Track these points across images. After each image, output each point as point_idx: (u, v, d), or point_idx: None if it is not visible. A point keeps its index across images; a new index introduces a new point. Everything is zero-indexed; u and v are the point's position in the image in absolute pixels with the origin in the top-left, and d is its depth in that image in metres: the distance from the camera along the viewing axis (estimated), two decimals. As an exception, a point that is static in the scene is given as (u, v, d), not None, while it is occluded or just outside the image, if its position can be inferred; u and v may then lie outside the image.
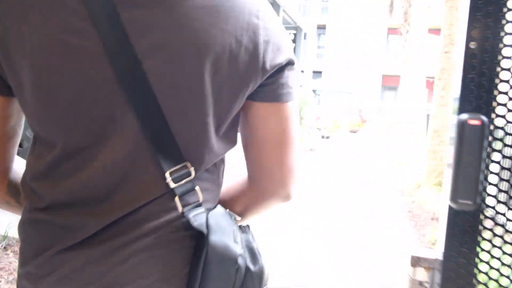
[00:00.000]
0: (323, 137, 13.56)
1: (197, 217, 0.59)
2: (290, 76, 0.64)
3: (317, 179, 6.74)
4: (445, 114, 6.07)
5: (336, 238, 3.87)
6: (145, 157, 0.58)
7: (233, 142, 0.67)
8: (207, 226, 0.59)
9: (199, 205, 0.61)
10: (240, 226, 0.66)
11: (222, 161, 0.68)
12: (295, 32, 8.87)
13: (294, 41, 8.80)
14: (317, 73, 24.01)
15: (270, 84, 0.62)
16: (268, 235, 3.73)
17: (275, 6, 6.83)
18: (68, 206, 0.59)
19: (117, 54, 0.54)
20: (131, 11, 0.54)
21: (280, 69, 0.62)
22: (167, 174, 0.58)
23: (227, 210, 0.66)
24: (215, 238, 0.58)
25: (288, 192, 0.70)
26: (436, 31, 19.69)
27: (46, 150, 0.59)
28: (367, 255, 3.47)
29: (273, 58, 0.60)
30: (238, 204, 0.72)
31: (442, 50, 6.09)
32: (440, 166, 6.07)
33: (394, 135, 13.95)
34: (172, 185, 0.58)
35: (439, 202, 5.04)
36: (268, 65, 0.60)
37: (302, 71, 9.89)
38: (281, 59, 0.61)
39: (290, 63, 0.63)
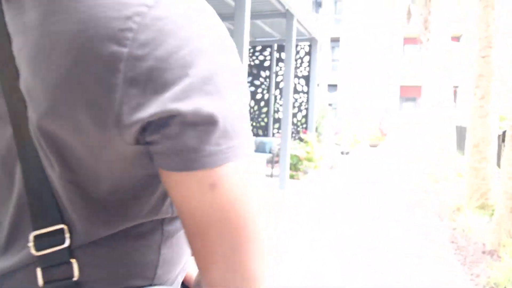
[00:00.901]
0: (342, 153, 12.92)
1: None
2: (186, 134, 0.40)
3: (343, 201, 6.07)
4: (486, 126, 5.35)
5: (374, 278, 3.18)
6: (26, 217, 0.49)
7: (148, 214, 0.50)
8: None
9: (71, 284, 0.47)
10: None
11: (155, 234, 0.52)
12: (309, 44, 8.39)
13: (309, 53, 8.30)
14: (333, 87, 23.45)
15: (155, 144, 0.41)
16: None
17: (289, 15, 6.32)
18: None
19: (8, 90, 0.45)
20: (17, 38, 0.44)
21: (159, 125, 0.40)
22: (31, 237, 0.47)
23: None
24: None
25: None
26: (455, 38, 19.09)
27: None
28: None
29: (137, 108, 0.39)
30: None
31: (478, 54, 5.40)
32: (484, 186, 5.31)
33: (418, 149, 13.16)
34: (34, 252, 0.47)
35: (488, 230, 4.30)
36: (126, 119, 0.39)
37: (318, 85, 9.37)
38: (150, 111, 0.39)
39: (177, 115, 0.39)
